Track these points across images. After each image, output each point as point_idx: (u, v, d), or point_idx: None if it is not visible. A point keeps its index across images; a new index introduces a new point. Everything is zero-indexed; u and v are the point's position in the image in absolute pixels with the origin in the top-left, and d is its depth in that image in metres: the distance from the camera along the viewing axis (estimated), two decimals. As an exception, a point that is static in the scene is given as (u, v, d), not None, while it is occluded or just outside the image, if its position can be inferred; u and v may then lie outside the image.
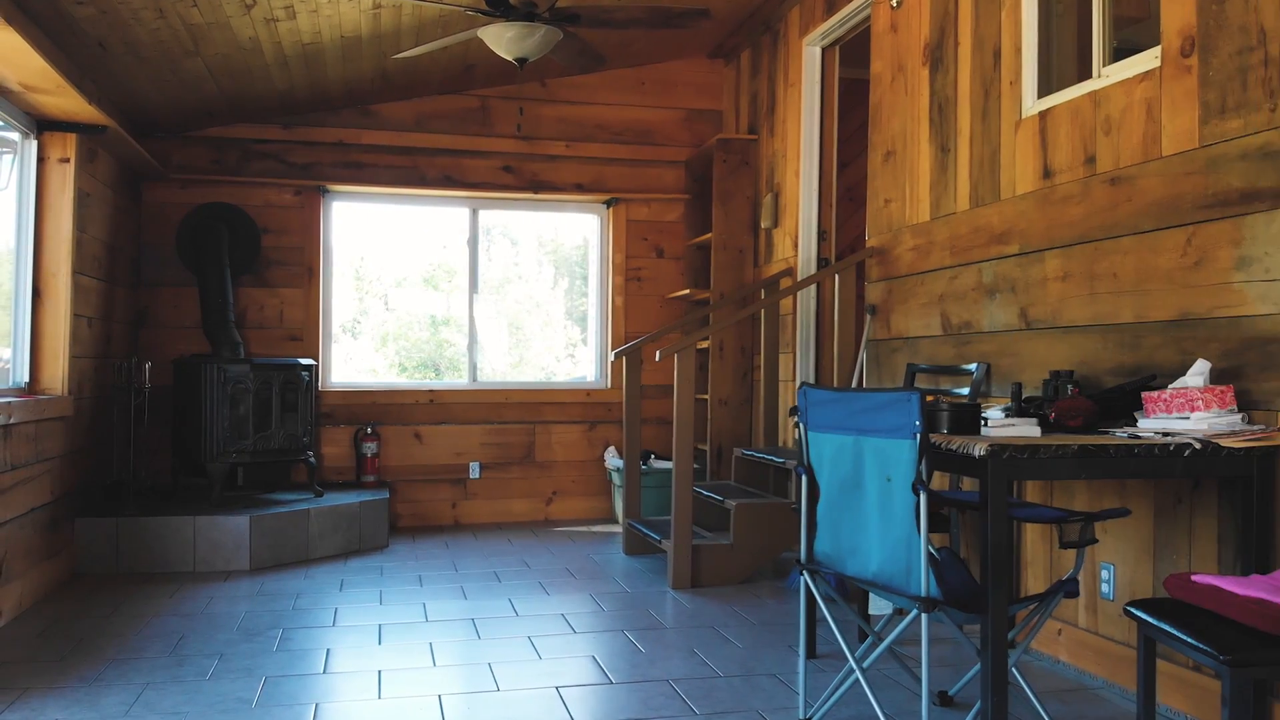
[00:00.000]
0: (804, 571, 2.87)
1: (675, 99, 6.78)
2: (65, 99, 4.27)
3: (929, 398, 2.99)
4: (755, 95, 6.24)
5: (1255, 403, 2.72)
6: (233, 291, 5.91)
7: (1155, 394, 2.83)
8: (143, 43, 4.43)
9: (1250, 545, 2.61)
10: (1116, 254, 3.22)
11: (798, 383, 5.41)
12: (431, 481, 6.42)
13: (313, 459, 5.65)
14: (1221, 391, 2.69)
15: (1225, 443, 2.50)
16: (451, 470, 6.45)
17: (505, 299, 6.89)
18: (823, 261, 5.48)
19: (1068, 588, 2.67)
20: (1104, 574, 3.25)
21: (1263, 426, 2.67)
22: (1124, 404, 2.96)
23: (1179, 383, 2.78)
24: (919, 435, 2.42)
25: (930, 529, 2.46)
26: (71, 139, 4.64)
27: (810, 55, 5.50)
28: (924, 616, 2.47)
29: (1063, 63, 3.68)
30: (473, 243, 6.67)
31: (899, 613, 3.23)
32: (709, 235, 6.28)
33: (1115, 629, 3.22)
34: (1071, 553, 3.32)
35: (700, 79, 6.81)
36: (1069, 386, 3.06)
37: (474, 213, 6.67)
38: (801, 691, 3.02)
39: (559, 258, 7.06)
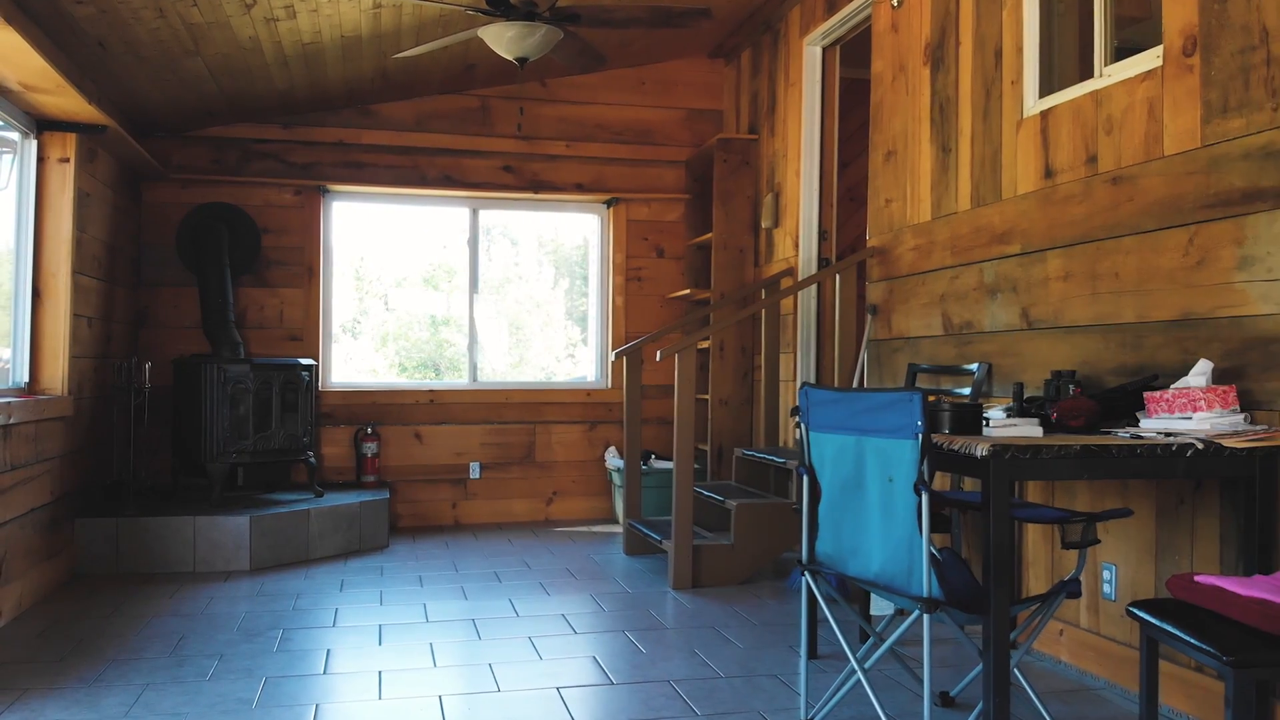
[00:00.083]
0: (805, 572, 2.86)
1: (676, 99, 6.77)
2: (65, 99, 4.26)
3: (930, 398, 2.99)
4: (756, 95, 6.23)
5: (1258, 403, 2.71)
6: (233, 291, 5.90)
7: (1157, 394, 2.82)
8: (143, 42, 4.43)
9: (1253, 546, 2.61)
10: (1118, 254, 3.22)
11: (798, 383, 5.40)
12: (432, 481, 6.41)
13: (313, 459, 5.65)
14: (1224, 392, 2.68)
15: (1228, 443, 2.50)
16: (452, 470, 6.45)
17: (505, 299, 6.89)
18: (823, 261, 5.47)
19: (1070, 588, 2.67)
20: (1105, 574, 3.25)
21: (1265, 427, 2.66)
22: (1126, 404, 2.95)
23: (1181, 383, 2.78)
24: (921, 435, 2.42)
25: (932, 529, 2.46)
26: (71, 139, 4.63)
27: (811, 55, 5.50)
28: (926, 617, 2.46)
29: (1064, 62, 3.68)
30: (473, 243, 6.67)
31: (900, 613, 3.22)
32: (709, 235, 6.27)
33: (1117, 629, 3.21)
34: (1073, 553, 3.32)
35: (701, 79, 6.80)
36: (1071, 386, 3.05)
37: (474, 212, 6.66)
38: (803, 692, 3.01)
39: (559, 258, 7.05)
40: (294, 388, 5.53)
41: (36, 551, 4.29)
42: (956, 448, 2.51)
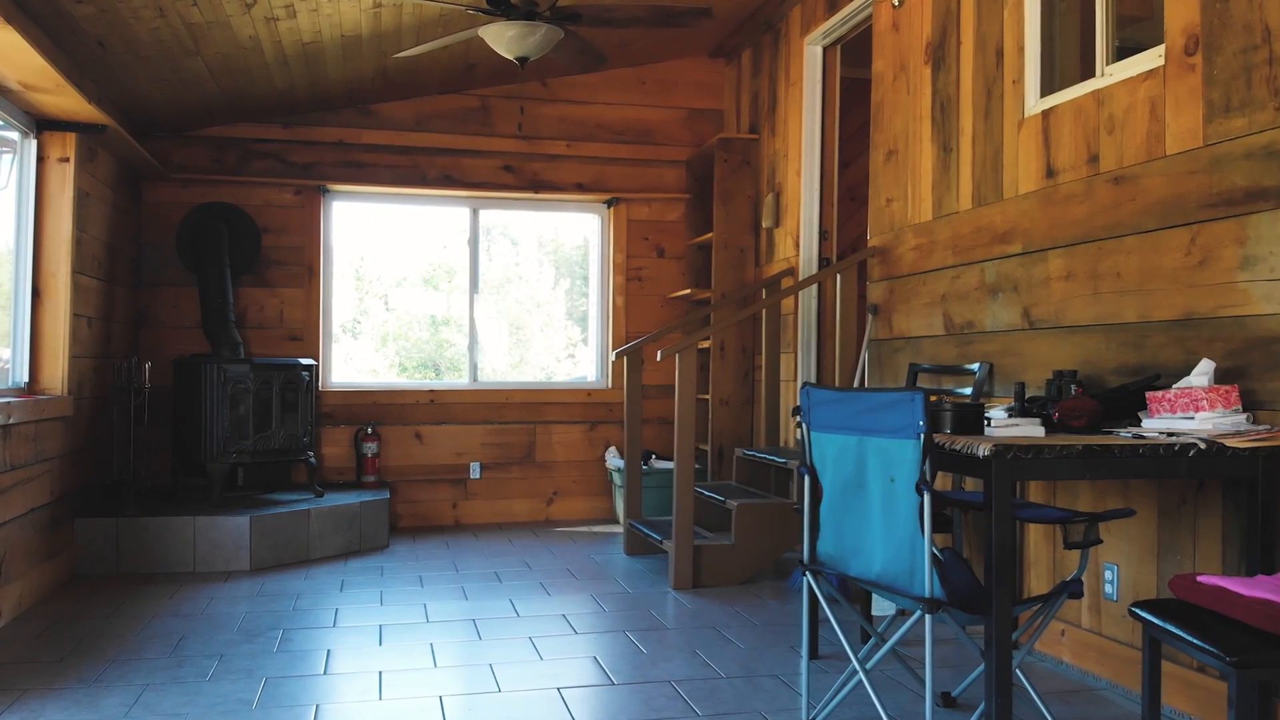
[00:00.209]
0: (806, 572, 2.85)
1: (676, 98, 6.77)
2: (65, 98, 4.26)
3: (932, 398, 2.98)
4: (756, 94, 6.23)
5: (1260, 403, 2.71)
6: (233, 291, 5.90)
7: (1159, 394, 2.81)
8: (142, 42, 4.42)
9: (1255, 546, 2.60)
10: (1120, 253, 3.21)
11: (799, 383, 5.40)
12: (432, 482, 6.41)
13: (313, 459, 5.64)
14: (1226, 391, 2.68)
15: (1230, 443, 2.49)
16: (452, 470, 6.44)
17: (506, 299, 6.88)
18: (824, 261, 5.47)
19: (1072, 588, 2.66)
20: (1107, 574, 3.24)
21: (1268, 427, 2.66)
22: (1128, 404, 2.94)
23: (1183, 382, 2.77)
24: (923, 435, 2.41)
25: (934, 529, 2.45)
26: (71, 138, 4.63)
27: (811, 54, 5.49)
28: (927, 617, 2.46)
29: (1065, 62, 3.67)
30: (473, 242, 6.66)
31: (902, 614, 3.22)
32: (710, 235, 6.27)
33: (1119, 630, 3.21)
34: (1075, 553, 3.31)
35: (701, 78, 6.80)
36: (1072, 386, 3.05)
37: (474, 212, 6.66)
38: (804, 692, 3.00)
39: (559, 257, 7.05)
40: (294, 388, 5.53)
41: (36, 551, 4.28)
42: (958, 448, 2.50)
